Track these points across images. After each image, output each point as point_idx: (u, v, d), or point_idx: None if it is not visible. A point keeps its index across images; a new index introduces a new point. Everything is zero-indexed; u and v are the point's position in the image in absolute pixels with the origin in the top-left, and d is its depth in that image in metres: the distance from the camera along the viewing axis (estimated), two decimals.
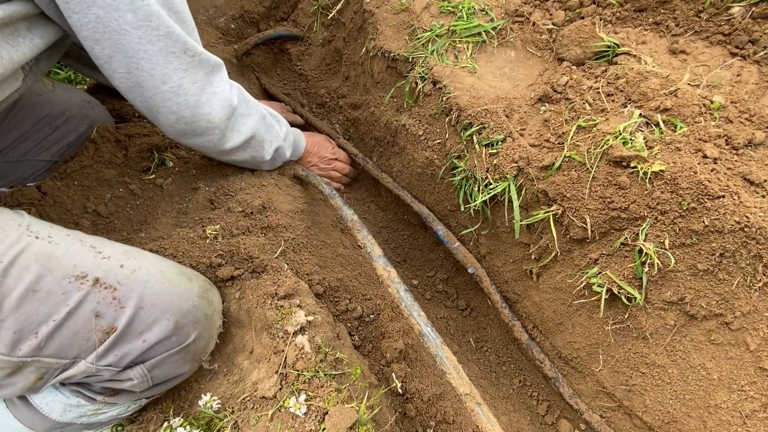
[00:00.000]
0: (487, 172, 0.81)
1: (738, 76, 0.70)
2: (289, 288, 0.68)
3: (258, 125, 0.81)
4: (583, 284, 0.72)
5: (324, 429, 0.51)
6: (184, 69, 0.62)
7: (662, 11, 0.79)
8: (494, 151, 0.80)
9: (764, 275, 0.58)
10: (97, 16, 0.52)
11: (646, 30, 0.80)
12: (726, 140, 0.62)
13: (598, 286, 0.69)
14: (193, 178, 0.93)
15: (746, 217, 0.56)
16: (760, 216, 0.56)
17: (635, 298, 0.67)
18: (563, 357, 0.84)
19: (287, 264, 0.75)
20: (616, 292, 0.68)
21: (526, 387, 0.92)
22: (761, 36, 0.71)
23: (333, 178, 1.12)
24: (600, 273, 0.69)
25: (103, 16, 0.52)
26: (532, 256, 0.80)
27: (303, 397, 0.54)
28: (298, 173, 1.02)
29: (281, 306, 0.65)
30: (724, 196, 0.57)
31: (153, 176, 0.90)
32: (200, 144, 0.75)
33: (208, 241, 0.73)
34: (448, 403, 0.73)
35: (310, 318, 0.65)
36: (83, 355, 0.47)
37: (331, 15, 1.30)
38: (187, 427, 0.54)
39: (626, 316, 0.71)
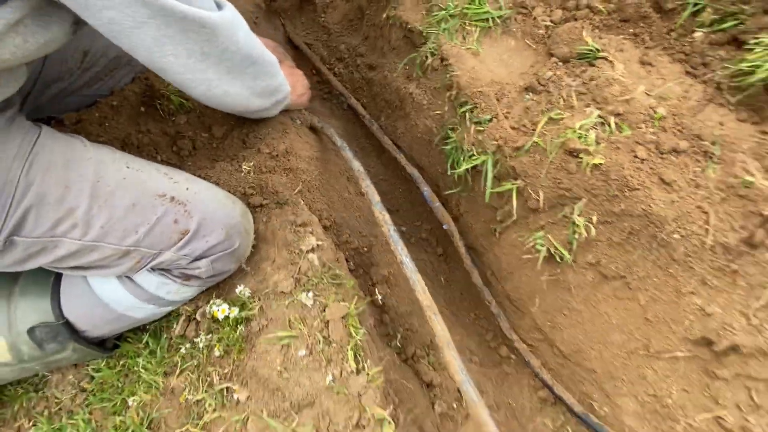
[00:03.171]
0: (472, 145, 0.98)
1: (686, 92, 0.85)
2: (304, 219, 0.88)
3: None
4: (531, 244, 0.93)
5: (324, 315, 0.74)
6: (204, 40, 0.62)
7: (642, 24, 0.92)
8: (481, 128, 0.97)
9: (657, 250, 0.79)
10: (110, 18, 0.52)
11: (626, 39, 0.93)
12: (656, 146, 0.80)
13: (540, 246, 0.90)
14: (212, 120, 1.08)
15: (650, 206, 0.75)
16: (661, 207, 0.76)
17: (566, 258, 0.88)
18: (511, 299, 1.07)
19: (303, 200, 0.95)
20: (553, 252, 0.89)
21: (480, 319, 1.17)
22: (712, 60, 0.85)
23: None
24: (543, 236, 0.90)
25: (116, 16, 0.52)
26: (498, 218, 1.00)
27: (311, 293, 0.76)
28: (314, 124, 1.18)
29: (298, 231, 0.85)
30: (639, 189, 0.76)
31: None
32: (232, 101, 0.78)
33: (242, 174, 0.92)
34: (415, 319, 0.97)
35: (319, 242, 0.86)
36: (166, 248, 0.67)
37: None
38: (227, 305, 0.77)
39: (558, 272, 0.92)
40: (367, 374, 0.72)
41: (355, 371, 0.71)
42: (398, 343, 0.95)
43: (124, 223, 0.63)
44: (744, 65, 0.80)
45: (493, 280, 1.10)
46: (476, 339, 1.13)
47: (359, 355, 0.74)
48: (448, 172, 1.07)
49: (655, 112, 0.83)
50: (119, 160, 0.67)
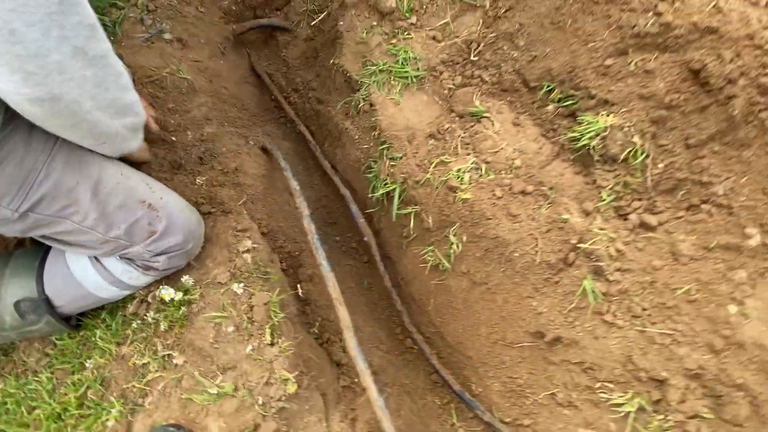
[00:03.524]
0: (387, 176, 1.24)
1: (539, 149, 1.15)
2: (244, 225, 1.11)
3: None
4: (425, 256, 1.20)
5: (251, 301, 0.96)
6: (10, 9, 0.48)
7: (516, 95, 1.22)
8: (394, 163, 1.23)
9: (505, 264, 1.07)
10: None
11: (504, 105, 1.23)
12: (510, 188, 1.08)
13: (430, 257, 1.16)
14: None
15: (499, 232, 1.03)
16: (507, 233, 1.04)
17: (447, 267, 1.15)
18: (414, 299, 1.33)
19: (246, 210, 1.17)
20: (438, 263, 1.15)
21: (392, 316, 1.42)
22: (559, 127, 1.15)
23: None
24: (432, 250, 1.16)
25: None
26: (404, 234, 1.26)
27: (242, 284, 0.98)
28: (265, 146, 1.41)
29: (237, 235, 1.08)
30: (492, 219, 1.04)
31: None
32: (65, 109, 0.62)
33: (196, 186, 1.14)
34: (331, 311, 1.21)
35: (255, 245, 1.08)
36: (138, 242, 0.87)
37: (314, 22, 1.63)
38: (173, 290, 0.98)
39: (444, 278, 1.19)
40: (280, 347, 0.94)
41: (270, 344, 0.94)
42: (316, 330, 1.18)
43: (111, 219, 0.82)
44: (576, 134, 1.10)
45: (402, 284, 1.35)
46: (387, 332, 1.37)
47: (275, 332, 0.96)
48: (370, 195, 1.33)
49: (513, 162, 1.12)
50: (116, 167, 0.85)
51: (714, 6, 0.94)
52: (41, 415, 0.90)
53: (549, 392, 1.13)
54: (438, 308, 1.26)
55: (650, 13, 1.00)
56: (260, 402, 0.88)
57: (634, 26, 1.01)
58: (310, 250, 1.25)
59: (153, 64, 1.35)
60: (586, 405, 1.08)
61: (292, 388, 0.91)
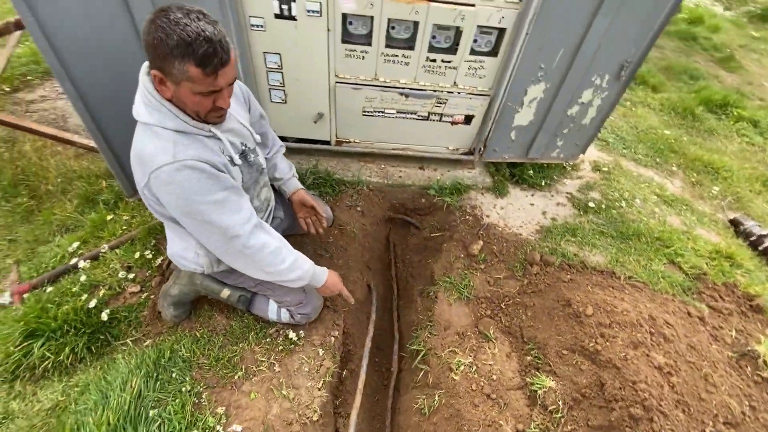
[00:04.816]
0: (422, 340, 2.07)
1: (512, 377, 1.87)
2: (338, 323, 2.04)
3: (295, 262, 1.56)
4: (418, 399, 1.92)
5: (323, 362, 1.83)
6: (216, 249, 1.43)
7: (514, 339, 2.01)
8: (429, 336, 2.07)
9: (454, 420, 1.74)
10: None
11: (506, 340, 2.01)
12: (482, 388, 1.81)
13: (420, 401, 1.88)
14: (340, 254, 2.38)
15: (463, 409, 1.74)
16: (467, 412, 1.74)
17: (426, 414, 1.84)
18: (399, 425, 2.00)
19: (343, 315, 2.11)
20: (422, 408, 1.86)
21: (381, 428, 2.07)
22: (529, 372, 1.88)
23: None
24: (423, 399, 1.89)
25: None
26: (413, 379, 2.02)
27: (323, 351, 1.87)
28: (370, 285, 2.42)
29: (333, 326, 2.00)
30: (462, 399, 1.76)
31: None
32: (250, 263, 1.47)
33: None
34: (351, 396, 1.97)
35: (336, 336, 1.99)
36: (292, 305, 1.87)
37: (434, 234, 2.75)
38: (294, 333, 1.91)
39: (421, 420, 1.87)
40: (321, 394, 1.75)
41: (318, 389, 1.76)
42: (337, 402, 1.94)
43: (287, 296, 1.84)
44: (534, 381, 1.81)
45: (397, 410, 2.05)
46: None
47: (324, 384, 1.78)
48: (408, 345, 2.16)
49: (493, 375, 1.86)
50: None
51: (624, 355, 1.67)
52: (211, 355, 1.84)
53: None
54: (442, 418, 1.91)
55: (593, 340, 1.76)
56: (299, 413, 1.67)
57: (583, 341, 1.78)
58: (360, 354, 2.11)
59: (345, 221, 2.57)
60: None
61: (316, 417, 1.68)
